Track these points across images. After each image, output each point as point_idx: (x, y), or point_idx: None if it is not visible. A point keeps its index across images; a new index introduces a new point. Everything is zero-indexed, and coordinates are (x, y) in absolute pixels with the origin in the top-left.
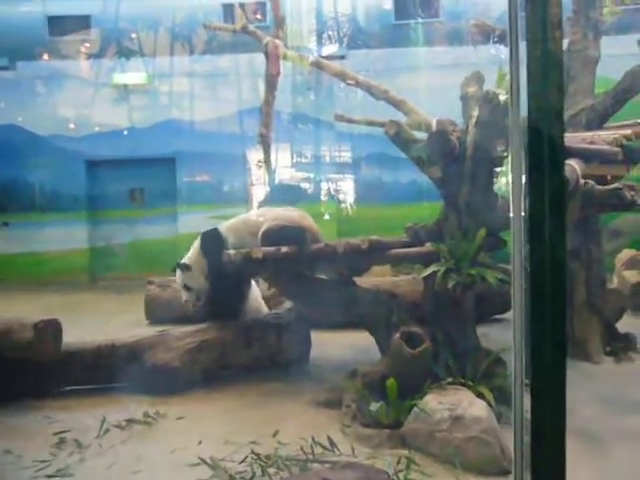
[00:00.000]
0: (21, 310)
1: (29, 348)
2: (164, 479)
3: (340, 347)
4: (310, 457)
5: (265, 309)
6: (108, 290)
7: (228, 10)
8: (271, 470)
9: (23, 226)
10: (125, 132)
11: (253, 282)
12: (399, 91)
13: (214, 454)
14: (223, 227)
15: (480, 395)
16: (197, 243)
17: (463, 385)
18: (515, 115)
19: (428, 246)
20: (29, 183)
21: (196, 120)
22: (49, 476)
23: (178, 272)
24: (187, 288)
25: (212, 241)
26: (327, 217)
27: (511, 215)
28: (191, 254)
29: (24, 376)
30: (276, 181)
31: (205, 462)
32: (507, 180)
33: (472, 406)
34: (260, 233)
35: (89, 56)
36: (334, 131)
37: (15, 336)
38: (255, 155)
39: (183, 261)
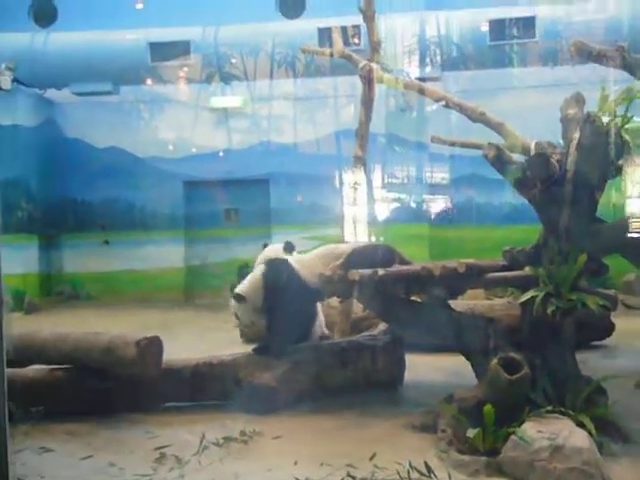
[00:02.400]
0: (122, 327)
1: (132, 365)
2: None
3: (434, 370)
4: None
5: (325, 332)
6: (204, 308)
7: (324, 34)
8: None
9: (123, 244)
10: (221, 154)
11: (319, 307)
12: (495, 113)
13: (310, 475)
14: (293, 259)
15: (580, 425)
16: (258, 271)
17: (563, 414)
18: None
19: (527, 270)
20: (130, 203)
21: (292, 142)
22: None
23: (232, 301)
24: (237, 317)
25: (277, 272)
26: (419, 238)
27: None
28: (249, 283)
29: (127, 391)
30: (370, 202)
31: None
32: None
33: (573, 436)
34: (347, 253)
35: (189, 80)
36: (427, 152)
37: (119, 353)
38: (350, 176)
39: (239, 290)
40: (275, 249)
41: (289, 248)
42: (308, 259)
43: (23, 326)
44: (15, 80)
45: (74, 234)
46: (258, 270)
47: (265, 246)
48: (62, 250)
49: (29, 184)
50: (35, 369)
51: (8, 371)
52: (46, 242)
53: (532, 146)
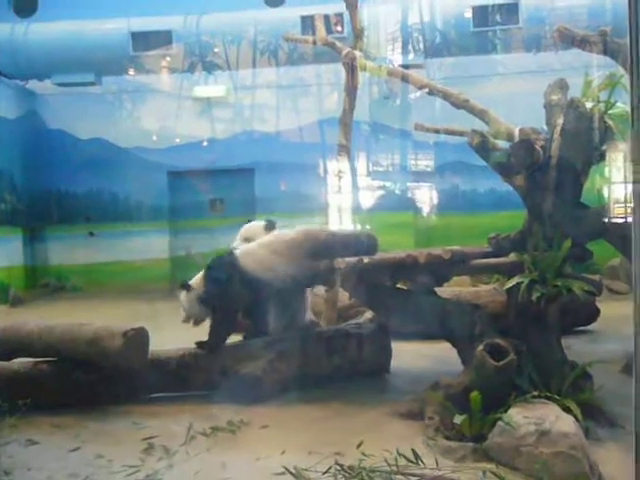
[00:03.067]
0: (108, 318)
1: (118, 356)
2: None
3: (421, 358)
4: (394, 469)
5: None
6: None
7: (307, 22)
8: None
9: (108, 236)
10: (205, 143)
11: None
12: (479, 99)
13: (298, 463)
14: (241, 251)
15: (567, 410)
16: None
17: (549, 399)
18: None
19: (512, 257)
20: (114, 194)
21: (276, 131)
22: None
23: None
24: (182, 307)
25: (219, 265)
26: (404, 226)
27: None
28: (200, 273)
29: (113, 383)
30: (354, 190)
31: (289, 471)
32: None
33: (559, 421)
34: (296, 239)
35: (171, 70)
36: (411, 140)
37: (105, 344)
38: (334, 164)
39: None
40: (255, 227)
41: (270, 226)
42: (256, 250)
43: (8, 319)
44: None
45: (58, 226)
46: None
47: (249, 222)
48: (47, 242)
49: (12, 176)
50: (20, 362)
51: None
52: (30, 234)
53: (516, 132)
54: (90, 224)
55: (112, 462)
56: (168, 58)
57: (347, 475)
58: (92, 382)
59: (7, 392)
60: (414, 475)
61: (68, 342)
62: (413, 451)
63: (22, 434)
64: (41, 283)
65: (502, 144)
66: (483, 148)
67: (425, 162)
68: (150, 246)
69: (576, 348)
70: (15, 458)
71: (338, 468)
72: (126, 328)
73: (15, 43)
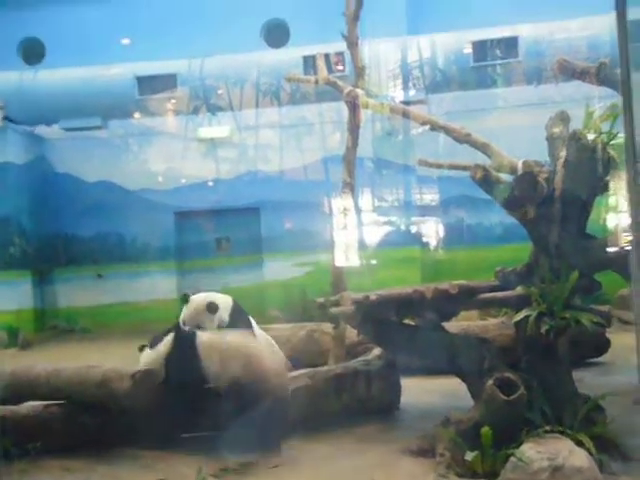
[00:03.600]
0: (116, 359)
1: (127, 398)
2: None
3: (430, 393)
4: None
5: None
6: None
7: (309, 62)
8: None
9: (115, 277)
10: (210, 183)
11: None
12: (481, 133)
13: None
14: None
15: (580, 443)
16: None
17: (561, 433)
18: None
19: (519, 290)
20: (120, 235)
21: (280, 169)
22: None
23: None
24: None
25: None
26: (410, 261)
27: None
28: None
29: (123, 425)
30: (359, 227)
31: None
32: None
33: (572, 455)
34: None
35: (176, 112)
36: (415, 175)
37: (113, 386)
38: (338, 202)
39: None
40: (196, 307)
41: (212, 309)
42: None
43: (17, 362)
44: (5, 118)
45: (67, 268)
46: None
47: (185, 298)
48: (55, 285)
49: (21, 220)
50: (30, 405)
51: (3, 409)
52: (39, 277)
53: (519, 165)
54: (98, 266)
55: None
56: (173, 101)
57: None
58: (101, 425)
59: (16, 436)
60: None
61: (76, 385)
62: None
63: (32, 478)
64: (50, 325)
65: (505, 177)
66: (486, 182)
67: (429, 196)
68: (157, 286)
69: (587, 380)
70: None
71: None
72: (134, 370)
73: (23, 89)
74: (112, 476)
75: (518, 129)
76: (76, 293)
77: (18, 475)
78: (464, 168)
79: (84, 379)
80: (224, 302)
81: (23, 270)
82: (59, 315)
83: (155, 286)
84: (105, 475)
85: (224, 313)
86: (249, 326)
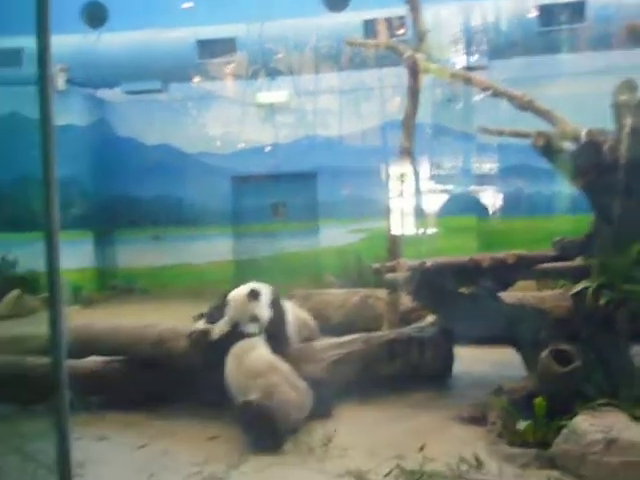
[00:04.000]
0: (173, 319)
1: (183, 356)
2: None
3: (483, 362)
4: (456, 474)
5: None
6: None
7: (369, 26)
8: None
9: (174, 239)
10: (268, 148)
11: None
12: (544, 100)
13: (360, 465)
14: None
15: (635, 418)
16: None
17: (617, 407)
18: None
19: (578, 261)
20: (180, 199)
21: (339, 135)
22: (204, 479)
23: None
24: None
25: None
26: (467, 230)
27: None
28: None
29: (179, 382)
30: (417, 194)
31: (351, 473)
32: None
33: (627, 429)
34: None
35: (235, 77)
36: (475, 143)
37: (169, 345)
38: (396, 168)
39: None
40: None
41: (254, 296)
42: None
43: (79, 319)
44: (68, 80)
45: (127, 230)
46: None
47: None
48: (115, 245)
49: (83, 181)
50: (93, 360)
51: (68, 362)
52: (100, 238)
53: (582, 133)
54: (156, 228)
55: (177, 459)
56: (232, 65)
57: (408, 478)
58: (159, 381)
59: (81, 389)
60: None
61: (134, 343)
62: (475, 456)
63: (94, 430)
64: (110, 285)
65: (568, 146)
66: (548, 150)
67: (489, 165)
68: (213, 250)
69: None
70: (87, 453)
71: (399, 471)
72: (190, 330)
73: (86, 52)
74: (168, 431)
75: (583, 97)
76: (135, 254)
77: (81, 426)
78: (526, 135)
79: (141, 337)
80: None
81: (85, 230)
82: (119, 275)
83: (212, 249)
84: (162, 430)
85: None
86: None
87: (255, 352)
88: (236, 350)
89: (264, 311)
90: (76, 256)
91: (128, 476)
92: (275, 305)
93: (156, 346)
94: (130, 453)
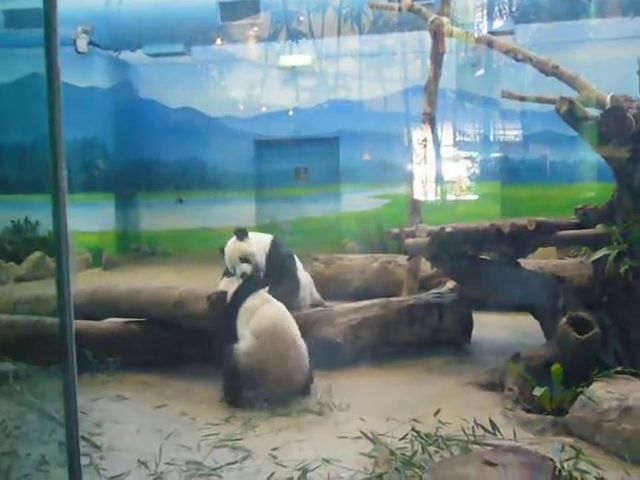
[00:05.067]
0: (195, 282)
1: (202, 318)
2: (326, 449)
3: (502, 329)
4: (471, 438)
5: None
6: None
7: None
8: (431, 449)
9: (196, 203)
10: (291, 112)
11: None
12: (570, 66)
13: (375, 429)
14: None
15: None
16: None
17: (634, 375)
18: None
19: (599, 228)
20: (202, 162)
21: (361, 100)
22: (221, 440)
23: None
24: None
25: None
26: (490, 197)
27: None
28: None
29: (197, 344)
30: (439, 160)
31: (366, 436)
32: None
33: None
34: None
35: (258, 39)
36: (499, 109)
37: (190, 307)
38: (418, 134)
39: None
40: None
41: (241, 236)
42: None
43: (101, 281)
44: (91, 43)
45: (149, 193)
46: None
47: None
48: (137, 208)
49: (105, 144)
50: (111, 322)
51: (86, 323)
52: (122, 201)
53: (607, 100)
54: (179, 191)
55: (195, 420)
56: (255, 28)
57: (424, 442)
58: (177, 342)
59: (98, 350)
60: (491, 445)
61: (155, 304)
62: (491, 421)
63: (112, 390)
64: (132, 247)
65: (593, 112)
66: (572, 116)
67: (512, 131)
68: (236, 213)
69: None
70: (105, 412)
71: (415, 435)
72: (210, 292)
73: (109, 15)
74: (185, 392)
75: (610, 63)
76: (157, 217)
77: (99, 386)
78: (549, 101)
79: (162, 299)
80: (260, 241)
81: (107, 193)
82: (141, 238)
83: (234, 213)
84: (179, 391)
85: (260, 257)
86: (293, 267)
87: (262, 308)
88: (247, 304)
89: (253, 249)
90: (98, 219)
91: (146, 436)
92: (278, 254)
93: (177, 307)
94: (148, 413)
